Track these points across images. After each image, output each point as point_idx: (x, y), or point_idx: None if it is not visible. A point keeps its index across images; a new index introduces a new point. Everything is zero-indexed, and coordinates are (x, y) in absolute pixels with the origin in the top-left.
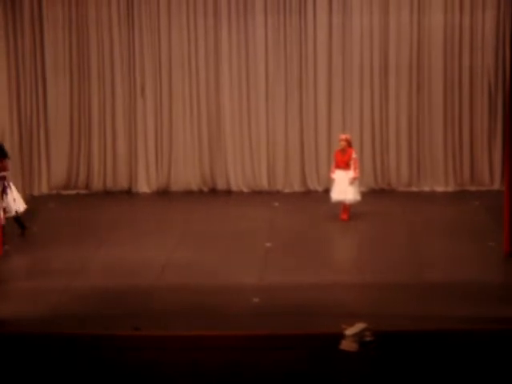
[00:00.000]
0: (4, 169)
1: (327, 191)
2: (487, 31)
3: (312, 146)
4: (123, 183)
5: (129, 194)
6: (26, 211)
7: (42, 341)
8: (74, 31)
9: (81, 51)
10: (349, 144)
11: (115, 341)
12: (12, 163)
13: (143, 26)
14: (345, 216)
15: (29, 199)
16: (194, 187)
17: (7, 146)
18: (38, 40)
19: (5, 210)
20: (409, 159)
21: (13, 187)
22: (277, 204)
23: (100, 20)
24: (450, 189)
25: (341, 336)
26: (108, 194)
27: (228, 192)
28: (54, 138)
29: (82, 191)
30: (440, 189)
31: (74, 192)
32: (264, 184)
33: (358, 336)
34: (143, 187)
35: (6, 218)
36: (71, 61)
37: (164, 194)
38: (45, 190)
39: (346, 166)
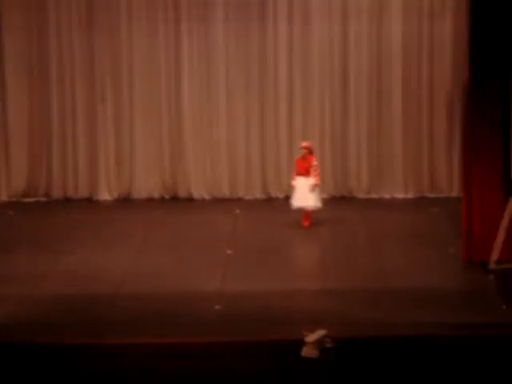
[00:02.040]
0: None
1: (288, 198)
2: (446, 40)
3: (273, 153)
4: (84, 191)
5: (90, 201)
6: None
7: (0, 349)
8: (34, 36)
9: (40, 57)
10: (310, 151)
11: (75, 349)
12: None
13: (103, 31)
14: (306, 223)
15: None
16: (156, 194)
17: None
18: None
19: None
20: (369, 166)
21: None
22: (238, 211)
23: (59, 24)
24: (410, 195)
25: (302, 343)
26: (69, 202)
27: (190, 199)
28: (14, 146)
29: (42, 199)
30: (400, 195)
31: (33, 200)
32: (225, 191)
33: (319, 343)
34: (104, 195)
35: None
36: (31, 66)
37: (125, 201)
38: (4, 197)
39: (306, 173)
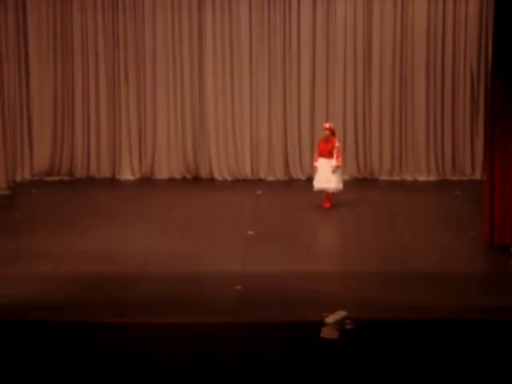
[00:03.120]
0: None
1: (310, 180)
2: (470, 21)
3: (295, 134)
4: (106, 170)
5: (112, 181)
6: (10, 197)
7: (23, 327)
8: (57, 18)
9: (64, 38)
10: (332, 133)
11: (96, 328)
12: None
13: (127, 12)
14: (327, 204)
15: (12, 185)
16: (178, 175)
17: None
18: (22, 27)
19: None
20: (391, 148)
21: None
22: (260, 192)
23: (84, 7)
24: (432, 178)
25: (322, 324)
26: (91, 181)
27: (211, 180)
28: (37, 125)
29: (66, 178)
30: (422, 178)
31: (57, 178)
32: (247, 172)
33: (339, 324)
34: (127, 174)
35: None
36: (55, 47)
37: (147, 181)
38: (28, 176)
39: (329, 154)
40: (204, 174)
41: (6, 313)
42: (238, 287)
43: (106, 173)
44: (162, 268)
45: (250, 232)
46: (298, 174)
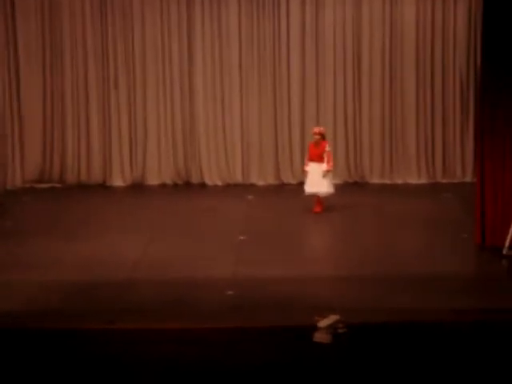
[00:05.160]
0: None
1: (301, 184)
2: (459, 23)
3: (286, 139)
4: (97, 177)
5: (103, 187)
6: (0, 205)
7: (14, 336)
8: (46, 22)
9: (54, 42)
10: (322, 137)
11: (89, 335)
12: None
13: (116, 15)
14: (318, 209)
15: (2, 193)
16: (169, 181)
17: None
18: (11, 31)
19: None
20: (382, 152)
21: None
22: (251, 197)
23: (73, 10)
24: (423, 181)
25: (314, 328)
26: (82, 188)
27: (202, 185)
28: (28, 132)
29: (56, 185)
30: (413, 181)
31: (47, 185)
32: (238, 177)
33: (331, 328)
34: (117, 181)
35: None
36: (44, 52)
37: (138, 187)
38: (18, 183)
39: (319, 158)
40: (195, 179)
41: None
42: (230, 292)
43: (97, 179)
44: (154, 274)
45: (242, 237)
46: (288, 178)
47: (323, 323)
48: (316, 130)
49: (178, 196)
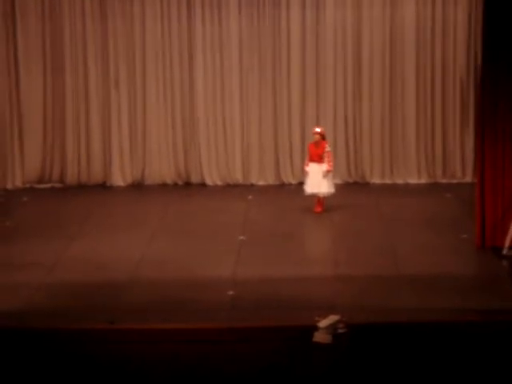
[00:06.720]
0: None
1: (301, 184)
2: (459, 24)
3: (286, 139)
4: (98, 177)
5: (103, 187)
6: (0, 205)
7: (16, 335)
8: (46, 22)
9: (54, 43)
10: (322, 137)
11: (90, 335)
12: None
13: (116, 16)
14: (319, 209)
15: (2, 193)
16: (169, 181)
17: None
18: (11, 31)
19: None
20: (382, 152)
21: None
22: (251, 197)
23: (73, 10)
24: (423, 181)
25: (314, 328)
26: (82, 188)
27: (202, 185)
28: (28, 132)
29: (57, 185)
30: (413, 181)
31: (48, 186)
32: (238, 177)
33: (332, 328)
34: (118, 181)
35: None
36: (44, 52)
37: (138, 187)
38: (19, 183)
39: (319, 158)
40: (195, 179)
41: None
42: (230, 292)
43: (97, 179)
44: (155, 274)
45: (242, 237)
46: (289, 178)
47: (323, 323)
48: (316, 130)
49: (177, 196)
